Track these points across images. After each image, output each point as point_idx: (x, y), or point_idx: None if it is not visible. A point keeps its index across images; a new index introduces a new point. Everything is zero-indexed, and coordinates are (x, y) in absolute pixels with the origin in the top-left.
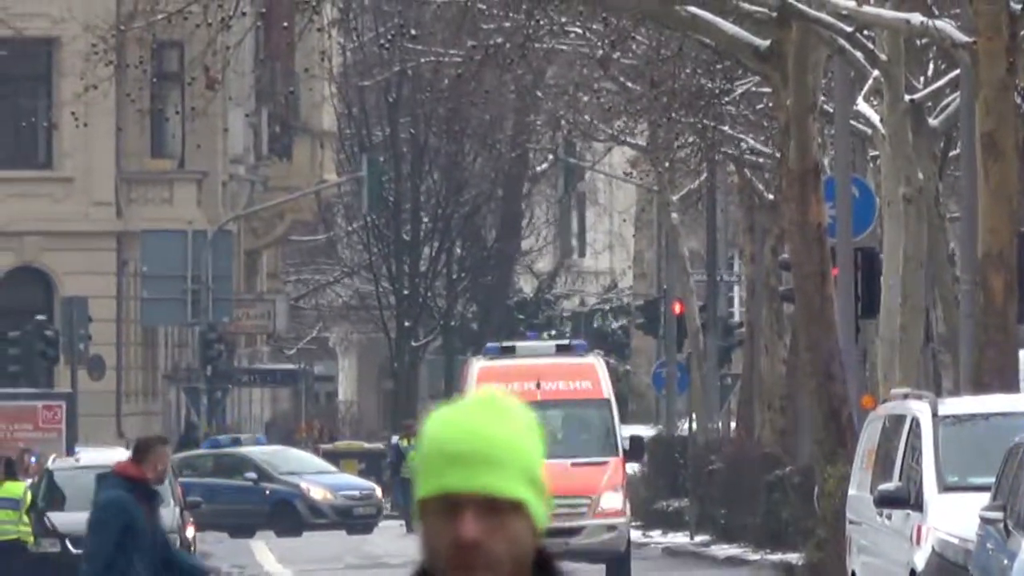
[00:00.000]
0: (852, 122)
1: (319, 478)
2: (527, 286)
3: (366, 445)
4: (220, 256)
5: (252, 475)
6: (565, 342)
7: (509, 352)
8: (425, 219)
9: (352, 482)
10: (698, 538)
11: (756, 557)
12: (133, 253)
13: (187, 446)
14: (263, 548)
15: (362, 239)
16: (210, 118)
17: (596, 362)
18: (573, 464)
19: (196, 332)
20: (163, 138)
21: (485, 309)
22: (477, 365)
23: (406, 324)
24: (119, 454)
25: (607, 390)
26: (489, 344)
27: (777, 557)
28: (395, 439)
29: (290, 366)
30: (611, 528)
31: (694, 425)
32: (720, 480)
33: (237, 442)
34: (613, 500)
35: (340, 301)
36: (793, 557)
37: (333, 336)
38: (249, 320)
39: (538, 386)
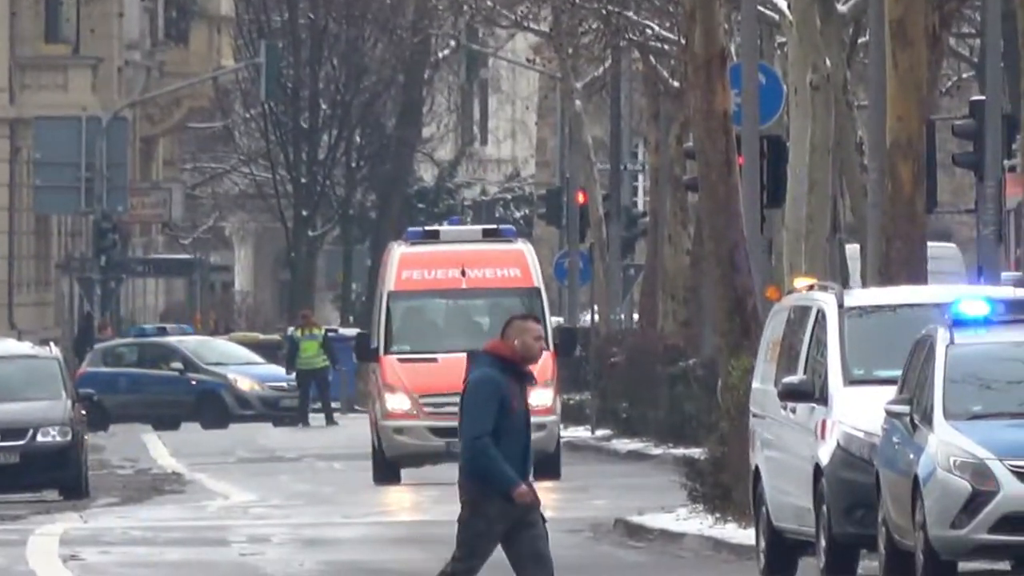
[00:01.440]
0: (759, 7)
1: (246, 369)
2: (427, 175)
3: (261, 336)
4: (115, 143)
5: (178, 365)
6: (492, 227)
7: (433, 237)
8: (324, 106)
9: (279, 374)
10: (600, 432)
11: (658, 451)
12: (26, 140)
13: (85, 336)
14: (156, 441)
15: (259, 127)
16: (105, 3)
17: (525, 248)
18: None
19: (90, 221)
20: (58, 23)
21: (384, 198)
22: (399, 251)
23: (303, 213)
24: (10, 345)
25: (537, 278)
26: (411, 228)
27: (680, 451)
28: (291, 330)
29: (185, 256)
30: (540, 427)
31: (596, 317)
32: (622, 373)
33: (163, 332)
34: (543, 397)
35: (237, 190)
36: (696, 451)
37: (229, 225)
38: (144, 209)
39: (463, 274)
